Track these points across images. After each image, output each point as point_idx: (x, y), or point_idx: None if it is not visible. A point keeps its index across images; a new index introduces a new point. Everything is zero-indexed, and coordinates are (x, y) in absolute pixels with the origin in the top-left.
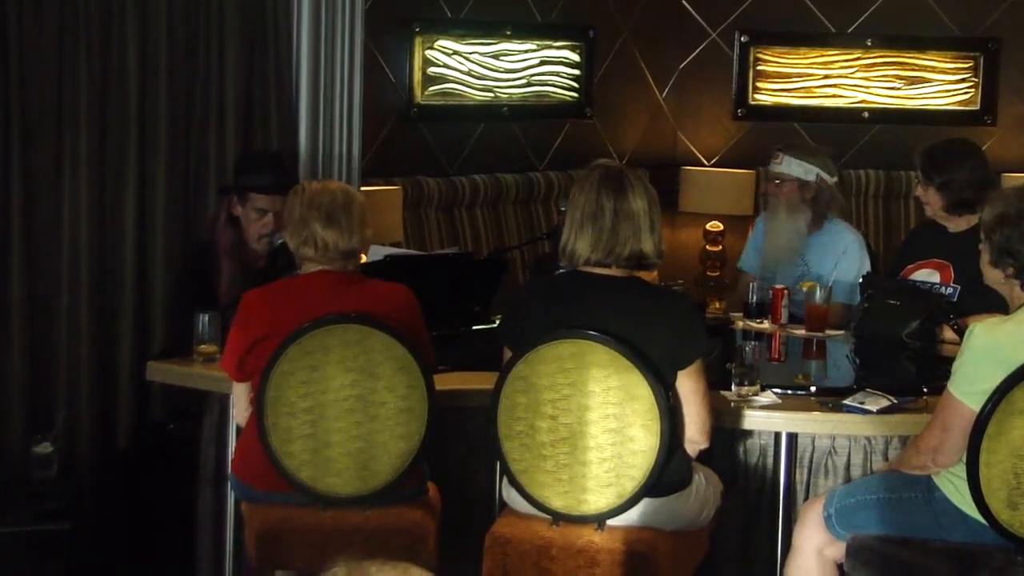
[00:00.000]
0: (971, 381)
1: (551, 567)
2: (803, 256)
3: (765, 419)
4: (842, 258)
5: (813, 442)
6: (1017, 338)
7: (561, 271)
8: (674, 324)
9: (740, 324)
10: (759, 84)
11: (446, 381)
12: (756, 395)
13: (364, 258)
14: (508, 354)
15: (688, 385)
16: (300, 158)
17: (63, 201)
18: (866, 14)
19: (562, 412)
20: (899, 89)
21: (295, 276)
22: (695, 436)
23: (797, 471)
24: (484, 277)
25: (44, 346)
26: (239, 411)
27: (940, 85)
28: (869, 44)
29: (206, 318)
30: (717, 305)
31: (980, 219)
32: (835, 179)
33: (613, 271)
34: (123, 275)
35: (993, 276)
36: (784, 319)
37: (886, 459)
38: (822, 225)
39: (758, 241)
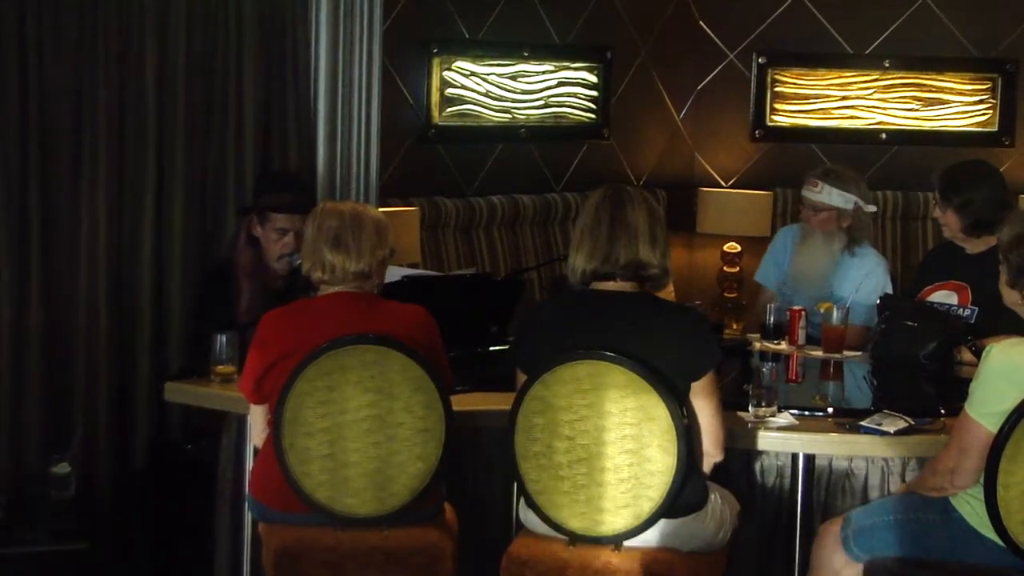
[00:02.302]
0: (988, 402)
1: None
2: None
3: (782, 440)
4: (865, 280)
5: (830, 463)
6: None
7: (573, 290)
8: (686, 337)
9: (758, 345)
10: (777, 105)
11: (463, 401)
12: (773, 416)
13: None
14: (521, 377)
15: (702, 398)
16: (318, 178)
17: (81, 220)
18: (884, 35)
19: (579, 433)
20: (917, 110)
21: (313, 297)
22: (710, 449)
23: (814, 492)
24: (502, 298)
25: (62, 366)
26: (256, 433)
27: (958, 106)
28: (887, 65)
29: (224, 338)
30: (735, 326)
31: (998, 240)
32: (872, 209)
33: (622, 286)
34: (141, 295)
35: (1011, 297)
36: (802, 340)
37: (903, 480)
38: (853, 251)
39: (777, 254)
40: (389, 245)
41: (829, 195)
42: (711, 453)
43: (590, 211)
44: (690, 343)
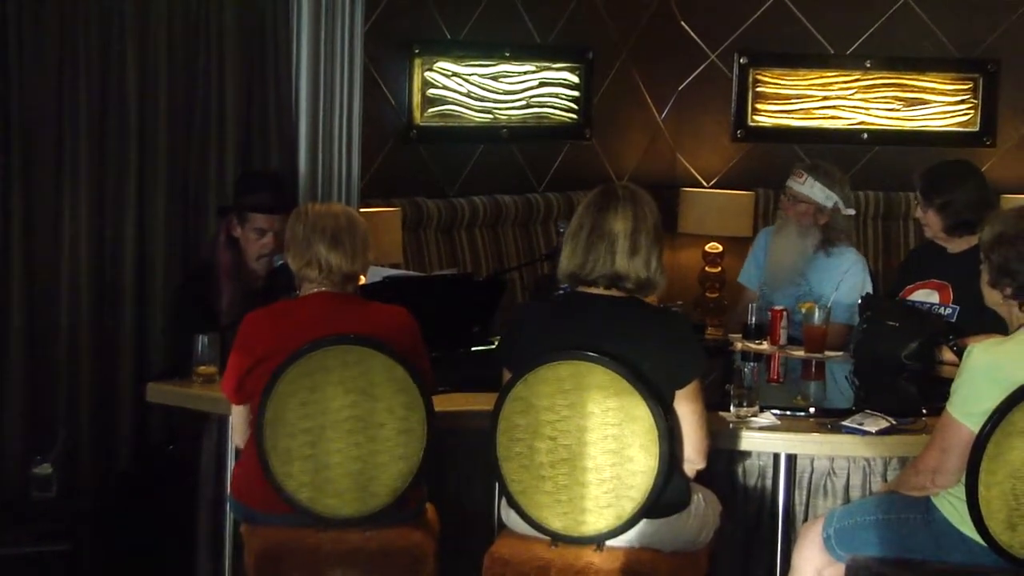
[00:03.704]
0: (970, 402)
1: None
2: (805, 276)
3: (764, 440)
4: (845, 278)
5: (812, 463)
6: (1016, 358)
7: (560, 292)
8: (672, 345)
9: (739, 345)
10: (758, 105)
11: (445, 402)
12: (755, 416)
13: (363, 279)
14: (507, 375)
15: (686, 406)
16: (300, 179)
17: (63, 221)
18: (865, 35)
19: (561, 433)
20: (898, 110)
21: (294, 298)
22: (692, 456)
23: (796, 492)
24: (483, 298)
25: (44, 367)
26: (238, 434)
27: (939, 106)
28: (868, 65)
29: (205, 339)
30: (716, 327)
31: (979, 239)
32: (851, 212)
33: (607, 291)
34: (123, 296)
35: (992, 296)
36: (783, 340)
37: (885, 480)
38: (829, 250)
39: (759, 255)
40: (373, 249)
41: (811, 188)
42: (693, 460)
43: (578, 213)
44: (675, 351)
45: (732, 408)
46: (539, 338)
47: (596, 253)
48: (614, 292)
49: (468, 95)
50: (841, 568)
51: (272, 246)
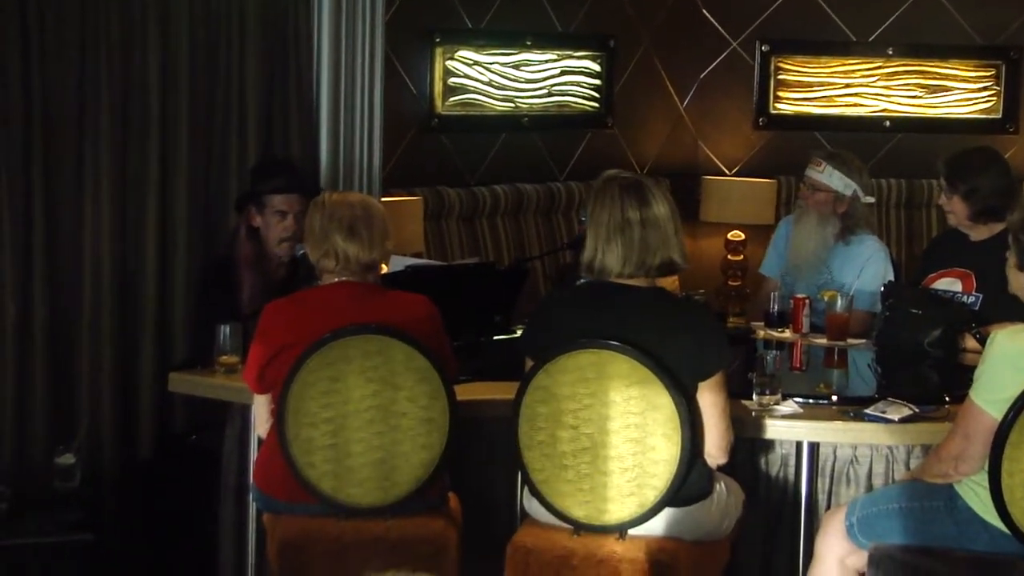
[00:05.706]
0: (993, 389)
1: None
2: (827, 264)
3: (787, 428)
4: (866, 266)
5: (835, 451)
6: None
7: (583, 281)
8: (696, 336)
9: (761, 333)
10: (780, 93)
11: (467, 391)
12: (777, 404)
13: (385, 268)
14: (530, 364)
15: (708, 398)
16: (321, 169)
17: (85, 212)
18: (887, 23)
19: (583, 422)
20: (921, 98)
21: (315, 287)
22: (713, 451)
23: (819, 480)
24: (505, 287)
25: (66, 358)
26: (260, 423)
27: (962, 93)
28: (890, 53)
29: (227, 329)
30: (738, 315)
31: (1008, 222)
32: (871, 200)
33: (637, 280)
34: (145, 286)
35: (1018, 280)
36: (805, 328)
37: (908, 468)
38: (849, 238)
39: (779, 245)
40: (391, 237)
41: (830, 176)
42: (714, 456)
43: (613, 207)
44: (700, 342)
45: (755, 396)
46: (562, 327)
47: (654, 245)
48: (641, 281)
49: (489, 84)
50: (864, 556)
51: (294, 228)
